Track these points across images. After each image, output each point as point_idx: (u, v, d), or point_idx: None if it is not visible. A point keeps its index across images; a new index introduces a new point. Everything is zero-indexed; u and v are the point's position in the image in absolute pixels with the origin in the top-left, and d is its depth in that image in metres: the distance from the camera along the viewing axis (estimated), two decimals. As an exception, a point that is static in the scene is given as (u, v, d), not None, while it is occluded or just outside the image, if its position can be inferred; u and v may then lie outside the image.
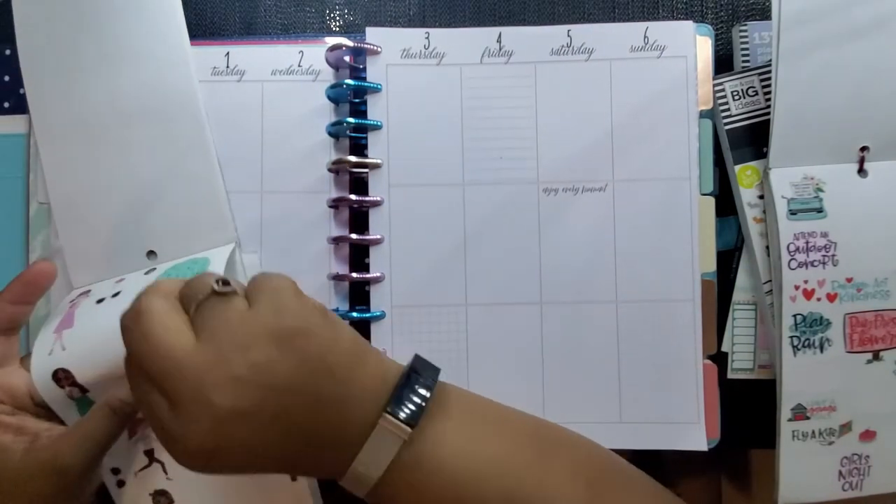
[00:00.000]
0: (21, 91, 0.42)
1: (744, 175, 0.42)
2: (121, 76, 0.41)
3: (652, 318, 0.42)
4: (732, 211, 0.43)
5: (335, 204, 0.42)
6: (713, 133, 0.43)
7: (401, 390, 0.30)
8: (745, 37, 0.43)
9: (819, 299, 0.40)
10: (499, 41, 0.43)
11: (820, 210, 0.40)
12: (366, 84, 0.42)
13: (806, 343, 0.40)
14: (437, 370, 0.32)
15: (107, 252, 0.41)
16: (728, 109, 0.42)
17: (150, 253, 0.41)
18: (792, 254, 0.40)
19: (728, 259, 0.43)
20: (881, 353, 0.41)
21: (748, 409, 0.43)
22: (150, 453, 0.41)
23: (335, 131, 0.43)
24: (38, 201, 0.43)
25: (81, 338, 0.37)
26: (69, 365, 0.36)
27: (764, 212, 0.42)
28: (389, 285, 0.42)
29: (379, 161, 0.42)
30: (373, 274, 0.42)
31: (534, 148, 0.43)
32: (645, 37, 0.43)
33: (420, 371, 0.31)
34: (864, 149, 0.40)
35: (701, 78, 0.42)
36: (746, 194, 0.42)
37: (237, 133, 0.43)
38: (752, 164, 0.42)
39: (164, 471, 0.41)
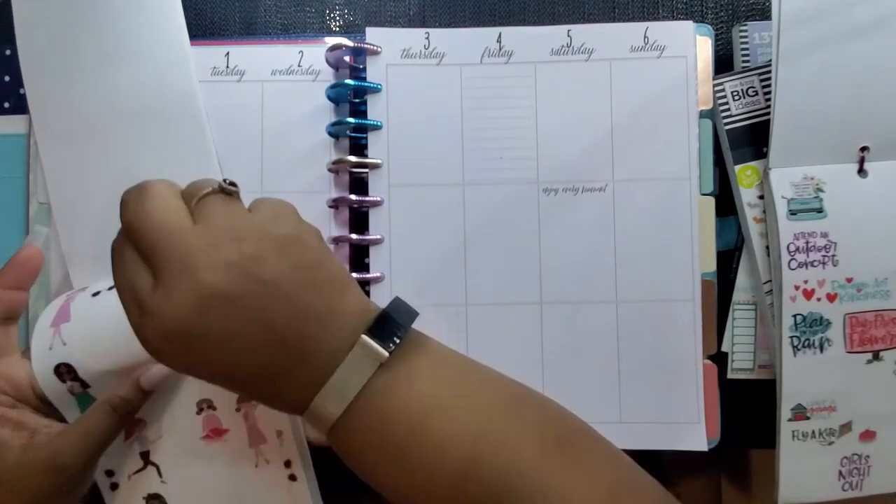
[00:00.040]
0: (21, 91, 0.42)
1: (744, 175, 0.42)
2: (121, 76, 0.41)
3: (652, 318, 0.42)
4: (732, 211, 0.43)
5: (335, 204, 0.42)
6: (713, 133, 0.43)
7: (381, 321, 0.30)
8: (745, 37, 0.43)
9: (819, 299, 0.40)
10: (499, 41, 0.43)
11: (820, 210, 0.40)
12: (366, 84, 0.42)
13: (806, 343, 0.41)
14: (415, 313, 0.32)
15: (107, 252, 0.41)
16: (728, 109, 0.42)
17: (150, 253, 0.41)
18: (792, 254, 0.40)
19: (728, 259, 0.43)
20: (881, 353, 0.41)
21: (748, 409, 0.43)
22: (145, 455, 0.41)
23: (335, 131, 0.43)
24: (37, 201, 0.43)
25: (81, 332, 0.37)
26: (71, 359, 0.36)
27: (764, 212, 0.42)
28: (389, 285, 0.42)
29: (379, 161, 0.42)
30: (373, 274, 0.42)
31: (534, 148, 0.43)
32: (645, 37, 0.43)
33: (399, 311, 0.31)
34: (864, 149, 0.40)
35: (701, 78, 0.42)
36: (746, 194, 0.42)
37: (237, 133, 0.43)
38: (752, 164, 0.42)
39: (159, 474, 0.41)
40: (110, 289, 0.39)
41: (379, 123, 0.42)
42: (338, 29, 0.46)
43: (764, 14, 0.45)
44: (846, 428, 0.41)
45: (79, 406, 0.37)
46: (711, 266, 0.42)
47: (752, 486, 0.50)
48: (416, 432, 0.29)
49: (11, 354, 0.38)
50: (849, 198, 0.41)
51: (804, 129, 0.40)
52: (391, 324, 0.30)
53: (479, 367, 0.33)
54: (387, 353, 0.29)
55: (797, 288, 0.40)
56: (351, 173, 0.43)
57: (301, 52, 0.43)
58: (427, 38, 0.43)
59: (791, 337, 0.40)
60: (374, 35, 0.43)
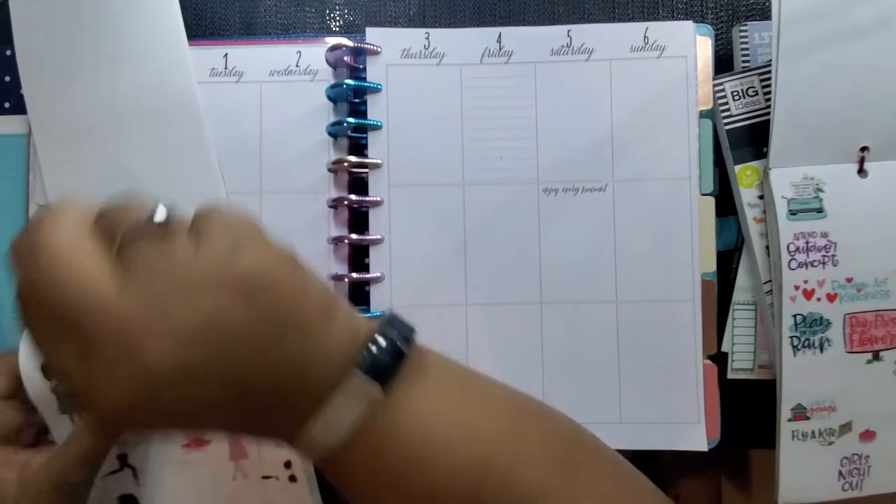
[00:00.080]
0: (21, 91, 0.42)
1: (744, 175, 0.42)
2: (119, 77, 0.41)
3: (652, 318, 0.42)
4: (732, 211, 0.43)
5: (335, 204, 0.42)
6: (713, 133, 0.43)
7: (373, 348, 0.26)
8: (745, 37, 0.43)
9: (819, 299, 0.40)
10: (499, 41, 0.43)
11: (820, 210, 0.40)
12: (366, 84, 0.42)
13: (806, 343, 0.41)
14: (412, 329, 0.28)
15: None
16: (728, 109, 0.42)
17: (150, 253, 0.41)
18: (792, 254, 0.40)
19: (728, 259, 0.43)
20: (881, 353, 0.41)
21: (748, 409, 0.43)
22: (122, 458, 0.41)
23: (335, 131, 0.43)
24: (37, 203, 0.43)
25: None
26: None
27: (764, 212, 0.42)
28: (389, 285, 0.42)
29: (379, 161, 0.42)
30: (373, 274, 0.42)
31: (534, 148, 0.43)
32: (645, 37, 0.43)
33: (394, 329, 0.28)
34: (864, 149, 0.40)
35: (701, 78, 0.42)
36: (746, 194, 0.42)
37: (236, 134, 0.43)
38: (752, 164, 0.42)
39: (135, 476, 0.41)
40: None
41: (379, 123, 0.42)
42: (338, 29, 0.46)
43: (764, 14, 0.45)
44: (846, 428, 0.41)
45: (59, 407, 0.36)
46: (711, 266, 0.42)
47: (752, 486, 0.50)
48: (416, 463, 0.26)
49: None
50: (849, 198, 0.41)
51: (804, 129, 0.40)
52: (384, 349, 0.26)
53: (482, 381, 0.31)
54: (382, 394, 0.26)
55: (797, 288, 0.40)
56: (351, 173, 0.43)
57: (299, 52, 0.43)
58: (427, 38, 0.43)
59: (791, 337, 0.40)
60: (374, 35, 0.43)
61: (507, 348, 0.42)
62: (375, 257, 0.42)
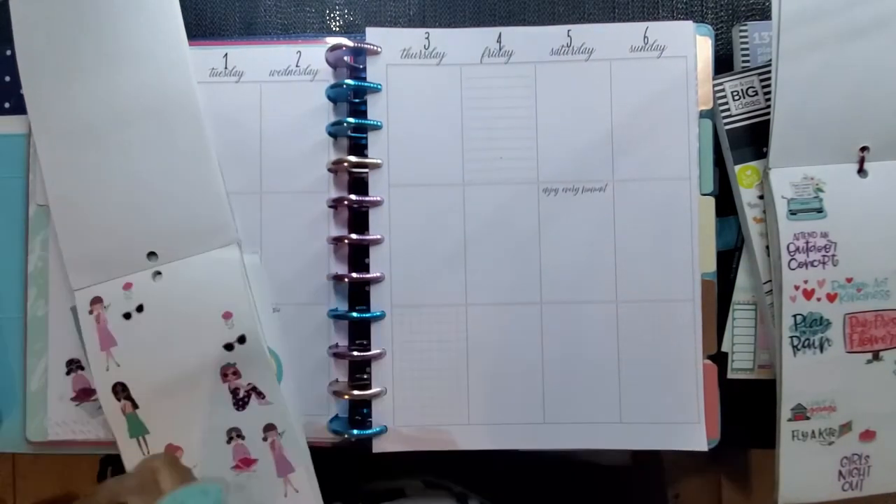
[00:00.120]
0: (21, 91, 0.42)
1: (744, 175, 0.42)
2: (119, 77, 0.41)
3: (652, 318, 0.42)
4: (732, 211, 0.43)
5: (335, 204, 0.42)
6: (713, 133, 0.43)
7: None
8: (745, 37, 0.43)
9: (819, 299, 0.40)
10: (499, 41, 0.43)
11: (820, 210, 0.40)
12: (366, 84, 0.42)
13: (806, 343, 0.41)
14: None
15: (107, 253, 0.41)
16: (728, 109, 0.42)
17: (151, 254, 0.41)
18: (792, 254, 0.40)
19: (728, 259, 0.43)
20: (881, 353, 0.41)
21: (748, 409, 0.43)
22: None
23: (335, 131, 0.43)
24: (36, 203, 0.43)
25: (129, 354, 0.41)
26: (125, 379, 0.41)
27: (764, 212, 0.42)
28: (389, 285, 0.42)
29: (379, 161, 0.42)
30: (373, 274, 0.42)
31: (534, 148, 0.43)
32: (645, 37, 0.43)
33: None
34: (864, 149, 0.40)
35: (701, 78, 0.42)
36: (746, 194, 0.42)
37: (236, 134, 0.43)
38: (752, 164, 0.42)
39: None
40: (138, 310, 0.41)
41: (379, 123, 0.42)
42: (338, 29, 0.46)
43: (764, 14, 0.45)
44: (846, 428, 0.41)
45: (128, 428, 0.41)
46: (711, 266, 0.42)
47: (752, 486, 0.50)
48: None
49: None
50: (849, 198, 0.41)
51: (804, 129, 0.40)
52: None
53: None
54: None
55: (797, 288, 0.40)
56: (350, 173, 0.43)
57: (299, 52, 0.43)
58: (427, 38, 0.43)
59: (791, 337, 0.40)
60: (374, 35, 0.43)
61: (507, 348, 0.42)
62: (375, 257, 0.42)
